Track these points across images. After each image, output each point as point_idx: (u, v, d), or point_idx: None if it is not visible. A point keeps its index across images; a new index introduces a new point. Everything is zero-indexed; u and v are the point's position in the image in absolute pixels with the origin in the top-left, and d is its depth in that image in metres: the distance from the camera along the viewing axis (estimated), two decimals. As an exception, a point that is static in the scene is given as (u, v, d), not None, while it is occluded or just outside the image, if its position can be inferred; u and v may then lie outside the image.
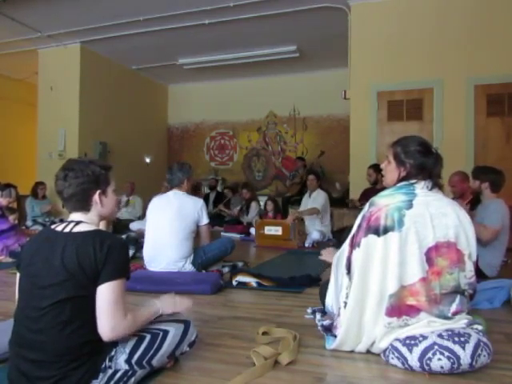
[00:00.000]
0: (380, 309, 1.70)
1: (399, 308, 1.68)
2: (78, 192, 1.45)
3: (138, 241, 4.35)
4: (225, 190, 8.11)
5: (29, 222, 6.71)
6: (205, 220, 3.44)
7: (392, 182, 1.91)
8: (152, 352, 1.47)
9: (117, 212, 6.55)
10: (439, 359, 1.56)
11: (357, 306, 1.73)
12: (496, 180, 3.24)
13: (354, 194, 5.77)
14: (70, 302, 1.31)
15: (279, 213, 6.12)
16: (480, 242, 2.99)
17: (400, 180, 1.87)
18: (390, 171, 1.93)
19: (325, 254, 2.29)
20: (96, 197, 1.48)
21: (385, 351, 1.71)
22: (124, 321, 1.35)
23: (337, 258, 1.92)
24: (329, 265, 2.05)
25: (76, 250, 1.33)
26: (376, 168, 5.20)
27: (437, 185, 1.84)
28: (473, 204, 3.65)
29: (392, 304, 1.69)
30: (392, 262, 1.69)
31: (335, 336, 1.81)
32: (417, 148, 1.85)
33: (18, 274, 1.43)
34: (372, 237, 1.73)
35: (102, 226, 3.58)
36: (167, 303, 1.64)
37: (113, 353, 1.39)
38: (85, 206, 1.48)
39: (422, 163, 1.83)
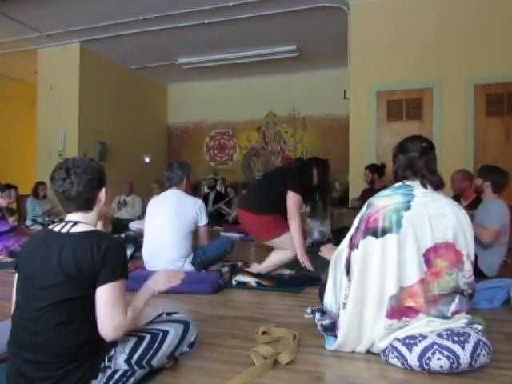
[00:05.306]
0: (380, 310, 1.70)
1: (399, 310, 1.68)
2: (87, 189, 1.42)
3: (136, 240, 4.35)
4: (228, 189, 8.11)
5: (28, 222, 6.72)
6: (204, 220, 3.43)
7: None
8: (152, 352, 1.46)
9: (116, 211, 6.54)
10: (439, 359, 1.56)
11: (356, 308, 1.73)
12: (499, 180, 3.24)
13: (354, 194, 5.76)
14: (69, 302, 1.30)
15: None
16: (481, 244, 2.99)
17: (394, 175, 1.91)
18: (392, 167, 1.98)
19: (324, 251, 2.34)
20: (102, 194, 1.47)
21: (384, 351, 1.71)
22: (125, 320, 1.35)
23: (335, 257, 1.92)
24: (328, 262, 2.06)
25: (73, 251, 1.31)
26: (372, 168, 5.20)
27: (433, 184, 1.82)
28: (475, 203, 3.65)
29: (392, 306, 1.68)
30: (390, 263, 1.69)
31: (335, 336, 1.81)
32: (408, 144, 1.89)
33: (16, 275, 1.42)
34: (370, 238, 1.73)
35: (100, 226, 3.59)
36: (160, 281, 1.60)
37: (112, 353, 1.39)
38: (90, 204, 1.45)
39: (410, 158, 1.84)
